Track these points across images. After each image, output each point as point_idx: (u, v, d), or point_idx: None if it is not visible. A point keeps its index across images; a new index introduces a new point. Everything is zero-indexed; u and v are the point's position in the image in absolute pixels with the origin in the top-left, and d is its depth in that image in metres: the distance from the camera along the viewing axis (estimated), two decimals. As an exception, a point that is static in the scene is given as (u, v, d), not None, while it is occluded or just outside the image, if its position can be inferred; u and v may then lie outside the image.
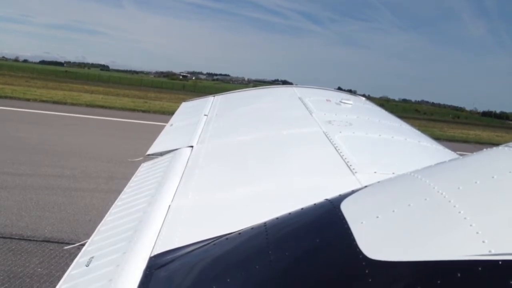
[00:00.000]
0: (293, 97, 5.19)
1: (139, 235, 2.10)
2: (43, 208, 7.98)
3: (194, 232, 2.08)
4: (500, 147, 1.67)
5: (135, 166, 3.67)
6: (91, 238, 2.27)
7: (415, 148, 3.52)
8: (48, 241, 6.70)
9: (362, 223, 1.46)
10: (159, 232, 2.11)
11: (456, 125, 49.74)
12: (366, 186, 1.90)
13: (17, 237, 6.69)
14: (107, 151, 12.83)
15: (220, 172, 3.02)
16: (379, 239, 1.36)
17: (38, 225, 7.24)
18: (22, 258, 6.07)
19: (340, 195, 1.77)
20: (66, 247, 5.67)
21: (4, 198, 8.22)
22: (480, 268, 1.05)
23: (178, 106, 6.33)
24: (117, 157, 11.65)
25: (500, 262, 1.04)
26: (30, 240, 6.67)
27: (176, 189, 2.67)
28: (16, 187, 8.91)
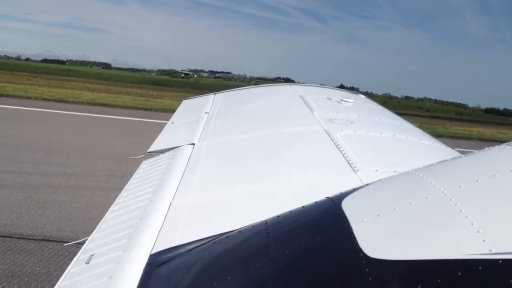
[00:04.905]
0: (294, 96, 5.19)
1: (139, 232, 2.11)
2: (43, 207, 7.99)
3: (194, 230, 2.08)
4: (502, 146, 1.67)
5: (136, 164, 3.67)
6: (91, 236, 2.27)
7: (416, 147, 3.51)
8: (47, 240, 6.72)
9: (363, 221, 1.45)
10: (160, 230, 2.11)
11: (459, 122, 49.56)
12: (367, 184, 1.89)
13: (16, 236, 6.71)
14: (108, 149, 12.84)
15: (222, 170, 3.02)
16: (380, 237, 1.36)
17: (38, 223, 7.27)
18: (21, 257, 6.09)
19: (341, 193, 1.77)
20: (65, 244, 5.69)
21: (4, 196, 8.24)
22: (480, 267, 1.05)
23: (179, 104, 6.32)
24: (118, 155, 11.65)
25: (501, 261, 1.03)
26: (29, 239, 6.69)
27: (177, 187, 2.67)
28: (16, 185, 8.92)
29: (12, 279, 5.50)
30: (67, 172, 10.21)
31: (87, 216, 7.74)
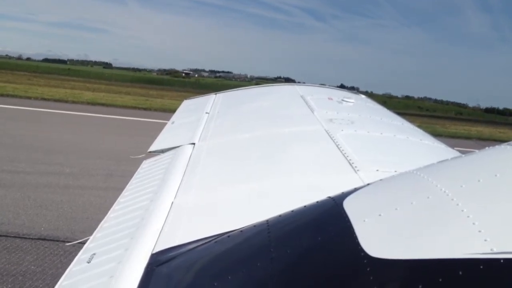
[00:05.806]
0: (295, 95, 5.19)
1: (141, 232, 2.11)
2: (41, 206, 7.99)
3: (196, 229, 2.08)
4: (503, 145, 1.67)
5: (136, 164, 3.67)
6: (93, 235, 2.27)
7: (417, 147, 3.52)
8: (43, 239, 6.74)
9: (364, 221, 1.45)
10: (161, 229, 2.11)
11: (458, 121, 49.56)
12: (368, 184, 1.89)
13: (12, 235, 6.72)
14: (107, 149, 12.83)
15: (222, 170, 3.03)
16: (381, 237, 1.36)
17: (35, 222, 7.28)
18: (17, 256, 6.10)
19: (342, 193, 1.77)
20: (67, 244, 5.69)
21: (2, 196, 8.24)
22: (482, 267, 1.05)
23: (179, 104, 6.32)
24: (118, 155, 11.63)
25: (502, 261, 1.03)
26: (25, 238, 6.70)
27: (178, 186, 2.67)
28: (14, 184, 8.92)
29: (6, 278, 5.52)
30: (66, 172, 10.21)
31: (84, 216, 7.74)
